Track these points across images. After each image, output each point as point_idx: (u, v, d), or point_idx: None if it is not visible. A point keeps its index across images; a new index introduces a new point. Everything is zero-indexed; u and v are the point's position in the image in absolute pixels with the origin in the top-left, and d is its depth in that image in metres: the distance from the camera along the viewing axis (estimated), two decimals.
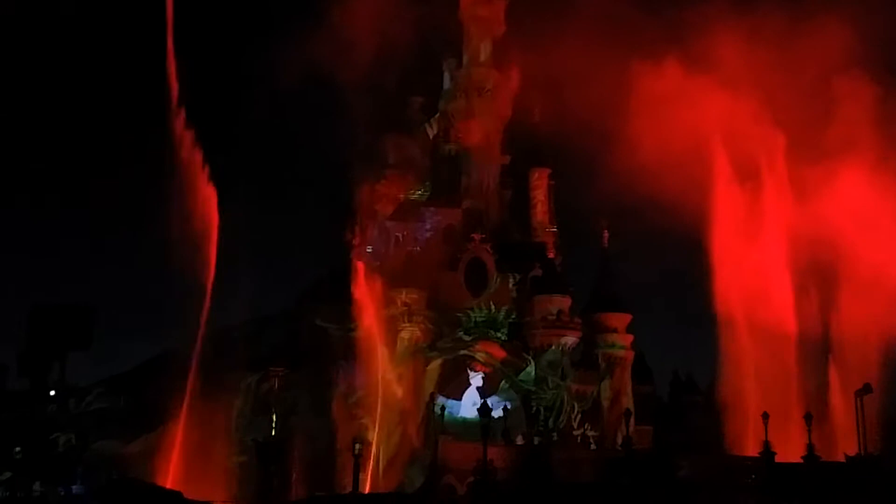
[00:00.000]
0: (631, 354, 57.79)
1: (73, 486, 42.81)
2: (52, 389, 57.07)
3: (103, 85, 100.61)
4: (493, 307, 56.77)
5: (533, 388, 55.20)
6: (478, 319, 56.21)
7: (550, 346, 55.73)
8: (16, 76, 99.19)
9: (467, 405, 53.41)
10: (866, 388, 44.54)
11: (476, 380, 55.09)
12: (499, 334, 56.42)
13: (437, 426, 50.32)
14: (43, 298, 60.37)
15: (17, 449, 45.97)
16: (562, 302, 56.73)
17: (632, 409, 50.83)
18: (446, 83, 66.75)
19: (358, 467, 45.09)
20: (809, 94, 53.07)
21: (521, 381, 55.53)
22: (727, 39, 54.37)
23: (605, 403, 56.10)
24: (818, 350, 50.34)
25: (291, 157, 79.48)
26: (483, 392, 53.24)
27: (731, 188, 53.97)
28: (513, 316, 57.35)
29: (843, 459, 43.29)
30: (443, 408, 51.59)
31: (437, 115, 66.50)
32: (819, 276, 50.84)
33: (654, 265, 78.62)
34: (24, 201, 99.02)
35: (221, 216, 50.55)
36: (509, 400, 53.23)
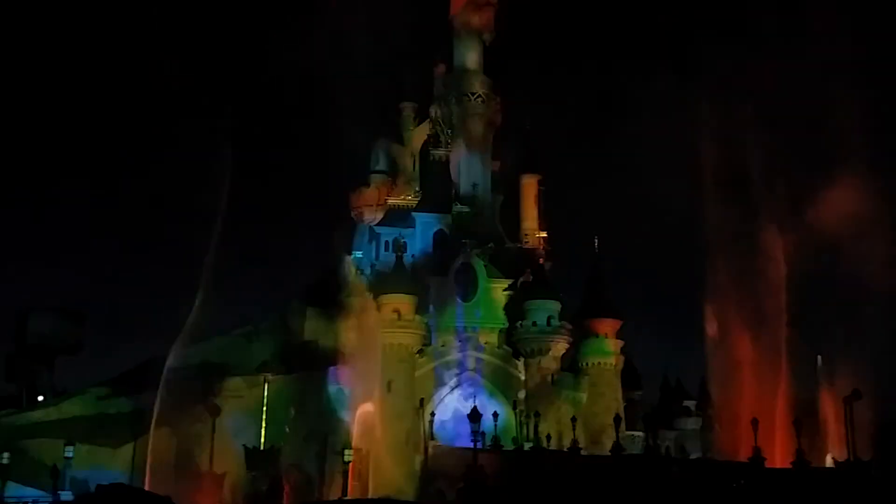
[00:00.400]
0: (621, 360, 57.80)
1: (62, 493, 42.51)
2: (40, 394, 57.05)
3: (107, 88, 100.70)
4: (483, 313, 56.78)
5: (523, 394, 55.23)
6: (468, 325, 56.20)
7: (540, 351, 55.81)
8: (13, 76, 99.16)
9: (457, 411, 53.30)
10: (855, 394, 44.59)
11: (466, 385, 55.01)
12: (489, 339, 56.44)
13: (427, 432, 50.27)
14: (32, 302, 60.34)
15: (5, 455, 45.65)
16: (552, 307, 56.81)
17: (621, 415, 50.77)
18: (437, 89, 66.91)
19: (348, 473, 45.02)
20: (803, 100, 53.17)
21: (511, 386, 55.53)
22: (720, 45, 54.47)
23: (595, 409, 56.05)
24: (809, 356, 50.40)
25: (282, 163, 79.42)
26: (473, 397, 53.11)
27: (724, 194, 53.97)
28: (503, 321, 57.39)
29: (832, 465, 43.39)
30: (433, 413, 51.56)
31: (428, 120, 66.65)
32: (811, 282, 50.85)
33: (645, 271, 78.94)
34: (16, 204, 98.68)
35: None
36: (499, 405, 53.16)
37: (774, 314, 49.71)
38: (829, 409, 46.88)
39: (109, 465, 48.79)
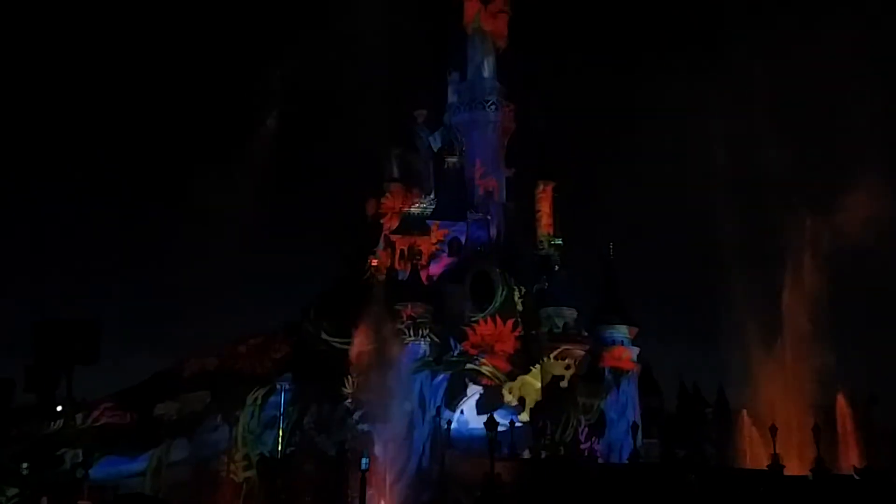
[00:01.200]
0: (637, 367, 57.59)
1: (80, 503, 42.81)
2: (59, 404, 57.37)
3: (119, 95, 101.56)
4: (498, 320, 56.69)
5: (540, 402, 55.06)
6: (484, 333, 56.11)
7: (557, 358, 55.60)
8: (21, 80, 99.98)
9: (474, 419, 53.26)
10: (872, 399, 44.40)
11: (482, 393, 54.93)
12: (505, 347, 56.32)
13: (443, 440, 50.24)
14: (49, 313, 60.70)
15: (25, 465, 46.01)
16: (568, 314, 56.63)
17: (639, 422, 50.64)
18: (450, 97, 67.00)
19: (365, 482, 45.06)
20: (823, 102, 52.85)
21: (527, 394, 55.38)
22: (735, 49, 54.28)
23: (612, 416, 55.87)
24: (827, 361, 50.02)
25: (296, 172, 79.62)
26: (489, 406, 53.04)
27: (740, 199, 53.72)
28: (519, 329, 57.25)
29: (851, 472, 43.04)
30: (449, 422, 51.53)
31: (442, 128, 66.75)
32: (829, 287, 50.46)
33: (662, 277, 78.65)
34: (30, 214, 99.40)
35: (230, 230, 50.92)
36: (516, 413, 53.06)
37: (793, 319, 49.46)
38: (846, 415, 46.58)
39: (127, 474, 49.04)
